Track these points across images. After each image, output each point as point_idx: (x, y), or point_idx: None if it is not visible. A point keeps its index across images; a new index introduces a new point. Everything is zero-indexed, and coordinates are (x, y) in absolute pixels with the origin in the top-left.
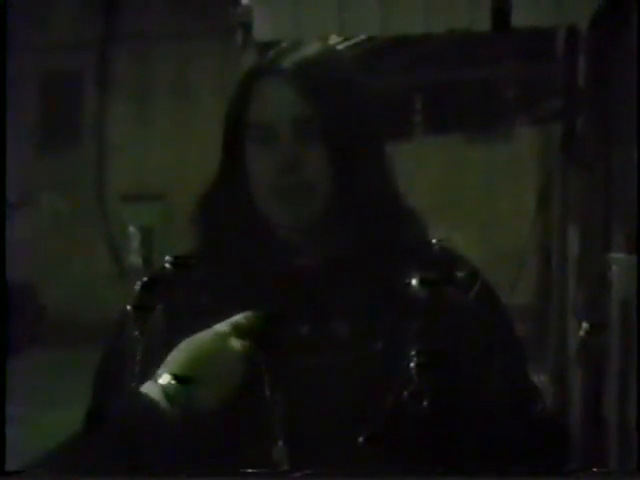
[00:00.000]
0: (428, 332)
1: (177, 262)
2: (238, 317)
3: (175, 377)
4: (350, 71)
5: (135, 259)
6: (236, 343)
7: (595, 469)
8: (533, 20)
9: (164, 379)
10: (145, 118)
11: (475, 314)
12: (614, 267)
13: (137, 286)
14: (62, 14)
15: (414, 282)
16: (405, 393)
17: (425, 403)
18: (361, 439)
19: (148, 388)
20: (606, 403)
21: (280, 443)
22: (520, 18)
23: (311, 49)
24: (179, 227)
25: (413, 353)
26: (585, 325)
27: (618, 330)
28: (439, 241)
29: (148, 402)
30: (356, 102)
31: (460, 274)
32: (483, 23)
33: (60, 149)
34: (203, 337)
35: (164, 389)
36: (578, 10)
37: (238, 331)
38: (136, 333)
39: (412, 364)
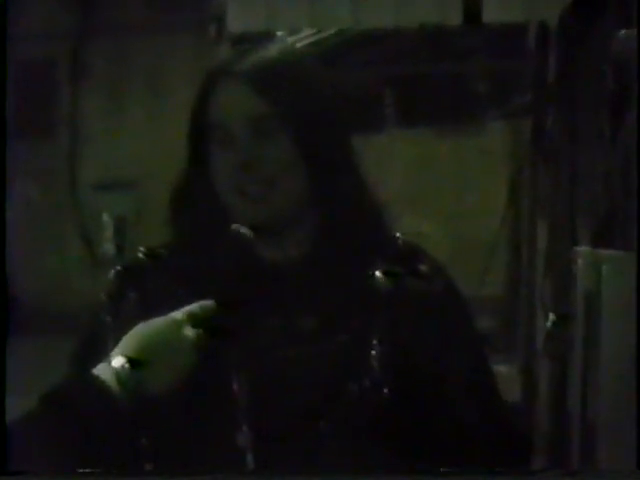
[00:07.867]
0: (390, 323)
1: (149, 253)
2: (193, 306)
3: (128, 360)
4: (308, 68)
5: (108, 248)
6: (190, 331)
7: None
8: (503, 15)
9: (117, 361)
10: (118, 108)
11: (435, 306)
12: (579, 260)
13: (110, 275)
14: (36, 3)
15: (377, 274)
16: (366, 382)
17: (385, 392)
18: (323, 427)
19: (100, 370)
20: (570, 395)
21: (244, 428)
22: (491, 13)
23: (268, 49)
24: (152, 217)
25: (375, 342)
26: (551, 316)
27: (582, 322)
28: (403, 234)
29: (100, 384)
30: (315, 98)
31: (422, 267)
32: (454, 18)
33: (32, 138)
34: (158, 323)
35: (116, 372)
36: (548, 6)
37: (192, 319)
38: (109, 320)
39: (374, 353)
